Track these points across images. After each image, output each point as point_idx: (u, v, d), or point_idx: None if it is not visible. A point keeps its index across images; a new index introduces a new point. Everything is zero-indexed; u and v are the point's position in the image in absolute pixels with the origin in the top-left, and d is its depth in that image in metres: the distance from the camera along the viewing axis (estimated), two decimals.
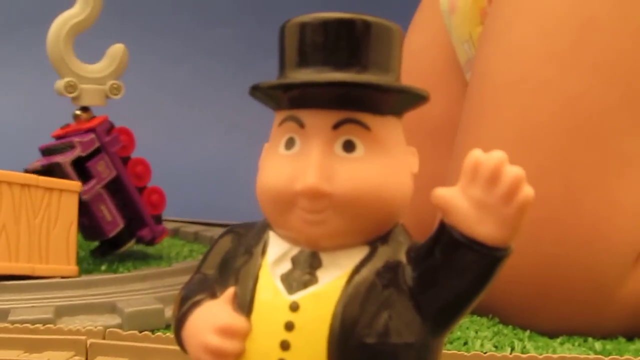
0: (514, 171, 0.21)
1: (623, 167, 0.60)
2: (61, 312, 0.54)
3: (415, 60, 0.83)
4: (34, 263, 0.63)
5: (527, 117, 0.62)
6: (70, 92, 0.80)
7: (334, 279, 0.23)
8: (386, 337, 0.22)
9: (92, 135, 0.78)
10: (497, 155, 0.21)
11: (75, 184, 0.69)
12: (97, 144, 0.78)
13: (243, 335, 0.23)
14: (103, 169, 0.79)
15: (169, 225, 1.01)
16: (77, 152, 0.77)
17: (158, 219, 0.84)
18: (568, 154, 0.60)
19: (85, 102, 0.81)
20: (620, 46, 0.60)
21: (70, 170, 0.75)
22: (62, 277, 0.63)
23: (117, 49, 0.82)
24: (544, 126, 0.61)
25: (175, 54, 1.38)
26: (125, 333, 0.44)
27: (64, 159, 0.75)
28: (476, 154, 0.22)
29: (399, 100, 0.24)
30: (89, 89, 0.81)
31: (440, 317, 0.23)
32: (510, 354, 0.49)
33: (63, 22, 0.79)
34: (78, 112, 0.81)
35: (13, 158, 0.80)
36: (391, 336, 0.22)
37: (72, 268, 0.66)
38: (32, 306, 0.54)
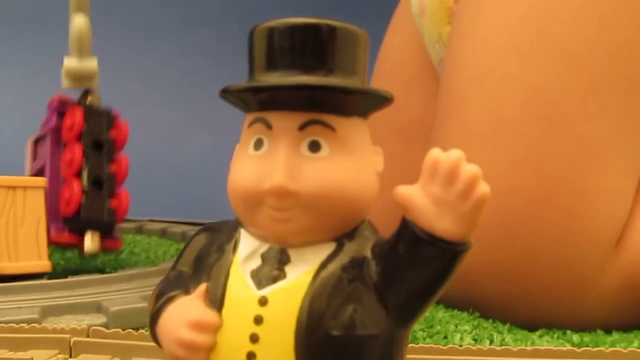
0: (470, 169, 0.22)
1: (593, 154, 0.61)
2: (47, 312, 0.54)
3: (391, 62, 0.84)
4: (2, 262, 0.63)
5: (495, 110, 0.63)
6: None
7: (301, 274, 0.24)
8: (351, 329, 0.23)
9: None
10: (455, 154, 0.22)
11: (39, 180, 0.68)
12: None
13: (214, 329, 0.24)
14: (44, 152, 0.73)
15: (156, 226, 1.02)
16: (38, 133, 0.75)
17: (74, 223, 0.70)
18: (538, 145, 0.61)
19: (63, 85, 0.74)
20: (582, 35, 0.61)
21: (29, 148, 0.74)
22: (41, 276, 0.64)
23: (71, 23, 0.72)
24: (512, 118, 0.62)
25: (161, 54, 1.38)
26: (108, 331, 0.45)
27: (30, 137, 0.73)
28: (435, 153, 0.22)
29: (363, 102, 0.25)
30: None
31: (404, 309, 0.24)
32: (489, 345, 0.50)
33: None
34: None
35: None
36: (356, 328, 0.23)
37: (44, 263, 0.66)
38: (18, 307, 0.54)
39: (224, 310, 0.24)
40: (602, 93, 0.61)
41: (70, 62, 0.72)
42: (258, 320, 0.24)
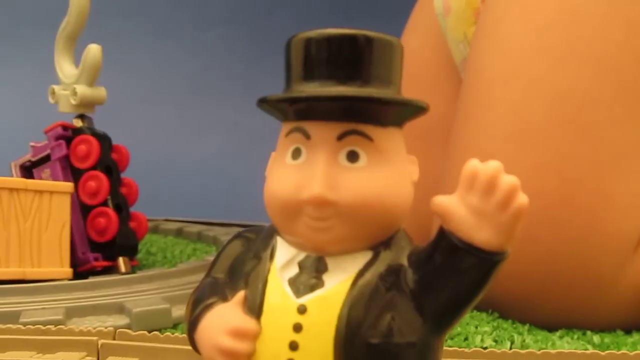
0: (509, 180, 0.22)
1: (617, 159, 0.61)
2: (71, 313, 0.55)
3: (410, 62, 0.84)
4: (25, 267, 0.63)
5: (520, 113, 0.63)
6: (52, 99, 0.77)
7: (339, 282, 0.24)
8: (389, 337, 0.24)
9: (46, 142, 0.74)
10: (494, 165, 0.22)
11: (67, 185, 0.68)
12: (48, 151, 0.74)
13: (254, 337, 0.24)
14: (47, 177, 0.73)
15: (172, 226, 1.03)
16: (27, 157, 0.76)
17: (106, 248, 0.71)
18: (561, 148, 0.61)
19: (61, 108, 0.76)
20: (610, 39, 0.61)
21: (16, 173, 0.74)
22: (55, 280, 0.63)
23: (87, 51, 0.74)
24: (537, 121, 0.62)
25: (174, 55, 1.39)
26: (135, 333, 0.45)
27: (15, 161, 0.74)
28: (473, 164, 0.23)
29: (399, 112, 0.25)
30: (63, 94, 0.76)
31: (441, 317, 0.24)
32: (510, 348, 0.51)
33: (58, 31, 0.78)
34: (74, 120, 0.76)
35: (8, 157, 0.81)
36: (394, 336, 0.24)
37: (66, 270, 0.66)
38: (43, 308, 0.55)
39: (263, 318, 0.24)
40: (628, 99, 0.61)
41: (83, 90, 0.73)
42: (297, 328, 0.24)
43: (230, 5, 1.39)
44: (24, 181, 0.66)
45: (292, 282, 0.25)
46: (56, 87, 0.77)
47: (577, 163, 0.60)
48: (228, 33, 1.38)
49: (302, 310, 0.24)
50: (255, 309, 0.25)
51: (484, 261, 0.23)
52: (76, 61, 0.78)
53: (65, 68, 0.77)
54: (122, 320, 0.55)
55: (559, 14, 0.63)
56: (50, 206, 0.66)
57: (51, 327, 0.46)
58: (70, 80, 0.76)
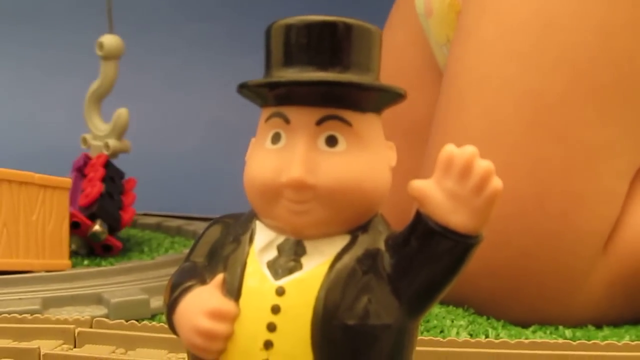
0: (484, 164, 0.23)
1: (588, 160, 0.61)
2: (48, 303, 0.55)
3: (392, 60, 0.84)
4: (32, 259, 0.65)
5: (491, 114, 0.63)
6: (84, 145, 0.98)
7: (317, 265, 0.24)
8: (366, 319, 0.24)
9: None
10: (469, 150, 0.23)
11: (66, 181, 0.70)
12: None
13: (232, 318, 0.24)
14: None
15: (151, 220, 1.03)
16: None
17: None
18: (533, 149, 0.61)
19: (92, 154, 0.96)
20: (582, 42, 0.62)
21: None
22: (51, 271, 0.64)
23: (117, 115, 0.93)
24: (508, 122, 0.62)
25: (157, 49, 1.38)
26: (112, 322, 0.45)
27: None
28: (449, 148, 0.23)
29: (378, 98, 0.25)
30: (94, 145, 0.97)
31: (416, 300, 0.25)
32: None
33: (89, 91, 0.97)
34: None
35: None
36: (370, 318, 0.24)
37: (66, 262, 0.68)
38: (19, 298, 0.55)
39: (242, 300, 0.25)
40: (600, 100, 0.61)
41: (114, 143, 0.95)
42: (275, 309, 0.24)
43: (211, 1, 1.39)
44: (32, 175, 0.67)
45: (271, 265, 0.25)
46: (88, 136, 0.97)
47: (548, 164, 0.61)
48: (210, 27, 1.37)
49: (280, 292, 0.24)
50: (234, 291, 0.25)
51: (459, 244, 0.23)
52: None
53: (96, 122, 0.97)
54: (100, 310, 0.55)
55: (532, 17, 0.64)
56: (53, 200, 0.68)
57: (27, 315, 0.46)
58: (101, 133, 0.96)
